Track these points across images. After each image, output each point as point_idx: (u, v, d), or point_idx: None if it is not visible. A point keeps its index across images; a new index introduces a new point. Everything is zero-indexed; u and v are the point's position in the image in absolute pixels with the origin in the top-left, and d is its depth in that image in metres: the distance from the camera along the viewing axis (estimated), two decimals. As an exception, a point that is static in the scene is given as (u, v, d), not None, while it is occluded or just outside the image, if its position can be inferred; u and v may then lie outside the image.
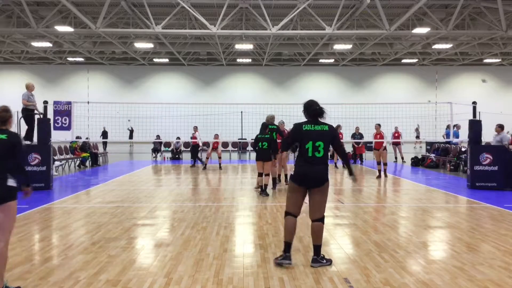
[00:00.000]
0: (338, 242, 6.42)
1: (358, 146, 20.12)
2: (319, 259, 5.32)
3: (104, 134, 28.74)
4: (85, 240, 6.50)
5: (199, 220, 7.88)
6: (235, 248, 6.10)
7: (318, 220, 5.28)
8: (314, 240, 5.34)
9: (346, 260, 5.56)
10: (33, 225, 7.53)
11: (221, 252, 5.89)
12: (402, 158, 21.18)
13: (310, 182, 5.23)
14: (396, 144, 21.40)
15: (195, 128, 19.44)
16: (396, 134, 21.48)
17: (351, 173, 5.60)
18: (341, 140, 17.78)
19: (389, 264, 5.36)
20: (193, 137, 19.17)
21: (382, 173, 14.79)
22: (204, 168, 17.96)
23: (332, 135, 5.32)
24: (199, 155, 24.11)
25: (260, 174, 10.91)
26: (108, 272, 5.08)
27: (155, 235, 6.87)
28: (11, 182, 4.48)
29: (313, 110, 5.32)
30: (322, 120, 5.37)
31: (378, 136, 15.15)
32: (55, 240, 6.58)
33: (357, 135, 19.78)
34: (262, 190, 10.62)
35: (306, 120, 5.38)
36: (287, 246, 5.29)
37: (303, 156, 5.26)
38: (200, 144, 20.16)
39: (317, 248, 5.32)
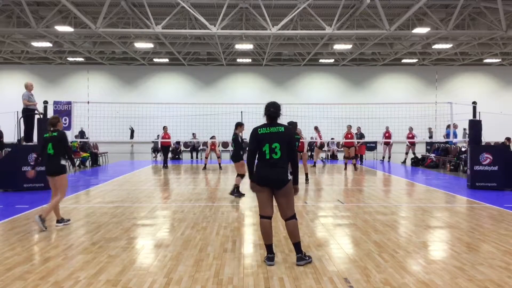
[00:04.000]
0: (338, 242, 6.42)
1: (358, 145, 20.14)
2: (303, 256, 5.37)
3: (81, 135, 26.71)
4: (85, 240, 6.50)
5: (199, 220, 7.88)
6: (235, 248, 6.11)
7: (290, 218, 5.34)
8: (292, 238, 5.39)
9: (346, 260, 5.56)
10: (33, 225, 7.53)
11: (221, 252, 5.89)
12: (390, 157, 21.44)
13: (270, 183, 5.29)
14: (386, 144, 21.59)
15: (165, 128, 19.01)
16: (387, 134, 21.57)
17: (295, 182, 5.45)
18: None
19: (389, 264, 5.37)
20: (164, 137, 18.61)
21: (352, 165, 17.57)
22: (204, 168, 17.96)
23: (288, 136, 5.33)
24: (198, 155, 24.22)
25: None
26: (108, 272, 5.08)
27: (155, 235, 6.87)
28: (62, 162, 7.35)
29: (267, 111, 5.39)
30: (279, 122, 5.43)
31: (350, 135, 17.72)
32: (55, 240, 6.58)
33: (357, 135, 19.82)
34: (236, 191, 10.61)
35: (263, 123, 5.43)
36: (269, 248, 5.39)
37: (262, 159, 5.32)
38: (172, 144, 19.73)
39: (297, 245, 5.36)
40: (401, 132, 21.72)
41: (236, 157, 10.84)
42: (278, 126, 5.34)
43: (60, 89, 36.96)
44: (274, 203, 5.44)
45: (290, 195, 5.36)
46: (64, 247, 6.12)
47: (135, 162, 21.88)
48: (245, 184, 12.70)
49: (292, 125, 11.19)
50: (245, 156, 11.61)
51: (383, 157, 22.15)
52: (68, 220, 7.64)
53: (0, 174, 11.26)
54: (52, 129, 7.45)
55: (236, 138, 10.84)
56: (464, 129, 19.80)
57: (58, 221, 7.48)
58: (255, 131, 5.41)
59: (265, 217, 5.37)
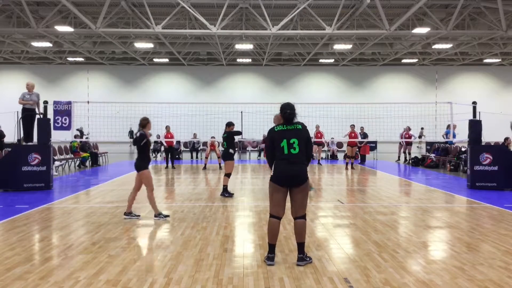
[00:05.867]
0: (338, 242, 6.42)
1: (362, 145, 20.14)
2: (304, 257, 5.38)
3: (81, 134, 24.81)
4: (85, 240, 6.50)
5: (199, 220, 7.88)
6: (235, 248, 6.10)
7: (300, 217, 5.35)
8: (298, 238, 5.40)
9: (346, 260, 5.56)
10: (33, 225, 7.53)
11: (221, 252, 5.89)
12: (404, 157, 21.13)
13: (290, 182, 5.29)
14: (408, 144, 21.22)
15: (167, 128, 18.94)
16: (407, 135, 21.31)
17: None
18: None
19: (389, 264, 5.36)
20: (167, 136, 18.57)
21: (350, 165, 17.71)
22: (204, 168, 17.96)
23: (306, 133, 5.40)
24: (198, 155, 24.22)
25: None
26: (108, 272, 5.08)
27: (155, 235, 6.87)
28: (142, 160, 7.95)
29: (283, 114, 5.44)
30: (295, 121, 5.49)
31: (353, 134, 18.03)
32: (55, 240, 6.58)
33: (361, 134, 19.80)
34: (225, 191, 10.63)
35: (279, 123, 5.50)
36: (271, 247, 5.40)
37: (280, 156, 5.32)
38: (174, 143, 19.73)
39: (301, 246, 5.37)
40: (400, 132, 21.70)
41: (225, 156, 10.84)
42: (296, 124, 5.41)
43: (60, 89, 36.92)
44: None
45: (306, 193, 5.40)
46: (64, 247, 6.12)
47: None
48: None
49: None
50: (235, 156, 11.59)
51: (399, 157, 21.84)
52: (139, 215, 8.08)
53: (0, 174, 11.25)
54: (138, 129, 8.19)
55: (227, 136, 10.83)
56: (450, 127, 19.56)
57: (125, 214, 8.07)
58: (272, 129, 5.47)
59: (275, 217, 5.36)
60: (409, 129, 21.23)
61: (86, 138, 21.68)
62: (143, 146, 7.99)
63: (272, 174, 5.41)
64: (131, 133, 32.17)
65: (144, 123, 8.18)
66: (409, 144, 20.97)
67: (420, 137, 25.57)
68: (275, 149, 5.36)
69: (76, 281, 4.77)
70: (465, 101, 14.46)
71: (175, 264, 5.36)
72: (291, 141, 5.27)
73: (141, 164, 7.93)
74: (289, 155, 5.27)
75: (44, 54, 32.90)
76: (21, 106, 12.40)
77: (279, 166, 5.32)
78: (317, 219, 8.02)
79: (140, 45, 28.81)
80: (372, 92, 37.85)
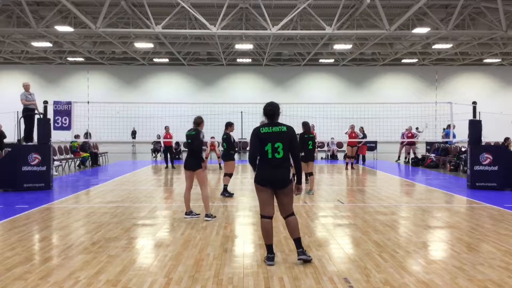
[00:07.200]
0: (338, 242, 6.42)
1: (359, 145, 20.11)
2: (304, 251, 5.41)
3: (87, 136, 25.93)
4: (85, 240, 6.50)
5: (199, 220, 7.88)
6: (235, 248, 6.10)
7: (290, 215, 5.39)
8: (292, 234, 5.41)
9: (346, 260, 5.56)
10: (33, 225, 7.53)
11: (221, 252, 5.89)
12: (409, 157, 20.87)
13: (273, 184, 5.29)
14: (409, 144, 20.99)
15: (167, 128, 18.91)
16: (410, 134, 21.17)
17: (298, 182, 5.52)
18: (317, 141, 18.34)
19: (389, 264, 5.36)
20: (166, 137, 18.51)
21: (350, 166, 17.68)
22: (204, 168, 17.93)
23: (291, 136, 5.32)
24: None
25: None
26: (108, 272, 5.07)
27: (155, 235, 6.87)
28: (198, 159, 7.97)
29: (264, 110, 5.41)
30: (280, 121, 5.44)
31: (354, 134, 17.88)
32: (55, 240, 6.58)
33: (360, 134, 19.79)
34: (225, 191, 10.64)
35: (264, 123, 5.46)
36: (269, 248, 5.40)
37: (264, 159, 5.29)
38: (173, 144, 19.70)
39: (298, 241, 5.39)
40: (400, 132, 21.67)
41: (226, 157, 10.85)
42: (281, 126, 5.33)
43: (60, 89, 36.96)
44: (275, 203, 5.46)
45: (291, 194, 5.42)
46: (64, 247, 6.12)
47: (135, 162, 21.87)
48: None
49: (305, 125, 11.00)
50: (236, 156, 11.59)
51: (399, 157, 21.71)
52: (198, 214, 8.13)
53: (0, 174, 11.25)
54: (193, 127, 8.28)
55: (227, 137, 10.84)
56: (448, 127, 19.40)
57: (186, 213, 8.12)
58: (256, 130, 5.36)
59: (266, 217, 5.37)
60: (410, 128, 21.07)
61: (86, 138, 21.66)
62: (200, 146, 8.11)
63: (255, 175, 5.39)
64: (133, 133, 32.17)
65: (199, 121, 8.28)
66: (411, 144, 20.68)
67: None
68: (259, 151, 5.30)
69: (76, 281, 4.77)
70: (465, 101, 14.46)
71: (175, 264, 5.35)
72: (276, 145, 5.23)
73: (198, 163, 8.01)
74: (273, 159, 5.24)
75: (44, 54, 32.91)
76: (21, 106, 12.42)
77: (263, 169, 5.31)
78: (317, 219, 8.02)
79: (140, 45, 28.83)
80: (372, 92, 37.88)
